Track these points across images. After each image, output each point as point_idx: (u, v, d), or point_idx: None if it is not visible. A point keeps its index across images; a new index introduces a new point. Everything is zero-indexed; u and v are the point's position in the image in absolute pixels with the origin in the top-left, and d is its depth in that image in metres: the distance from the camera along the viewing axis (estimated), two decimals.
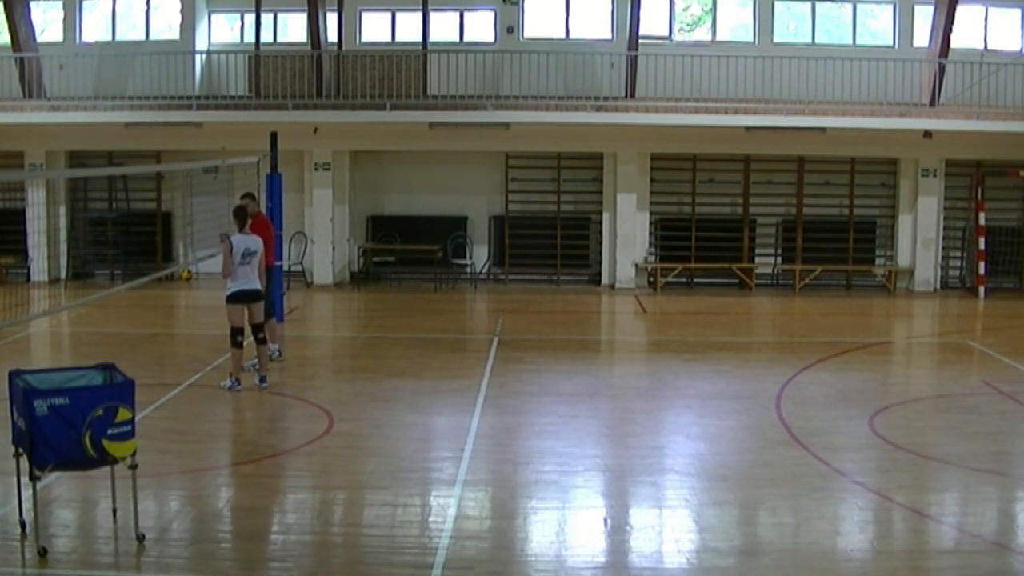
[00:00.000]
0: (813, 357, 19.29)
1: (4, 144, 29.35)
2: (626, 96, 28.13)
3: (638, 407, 15.54)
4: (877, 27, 30.14)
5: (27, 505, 9.87)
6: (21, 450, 9.45)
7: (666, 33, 29.69)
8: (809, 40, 29.81)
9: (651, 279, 29.34)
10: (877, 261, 30.00)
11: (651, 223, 29.53)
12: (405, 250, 29.46)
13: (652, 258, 29.45)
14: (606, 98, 28.10)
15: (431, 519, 10.56)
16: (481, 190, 30.23)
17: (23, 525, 9.89)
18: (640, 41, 28.17)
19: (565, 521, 10.65)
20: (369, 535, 10.06)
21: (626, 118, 27.44)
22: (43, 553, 9.40)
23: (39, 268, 28.99)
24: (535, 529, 10.47)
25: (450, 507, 10.84)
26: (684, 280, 29.79)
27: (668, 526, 10.51)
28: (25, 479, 9.44)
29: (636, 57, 27.99)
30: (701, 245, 29.51)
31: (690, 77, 27.96)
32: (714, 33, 30.10)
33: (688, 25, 30.47)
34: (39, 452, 9.15)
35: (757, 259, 29.74)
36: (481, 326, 24.08)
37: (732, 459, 12.83)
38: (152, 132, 28.52)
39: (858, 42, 29.80)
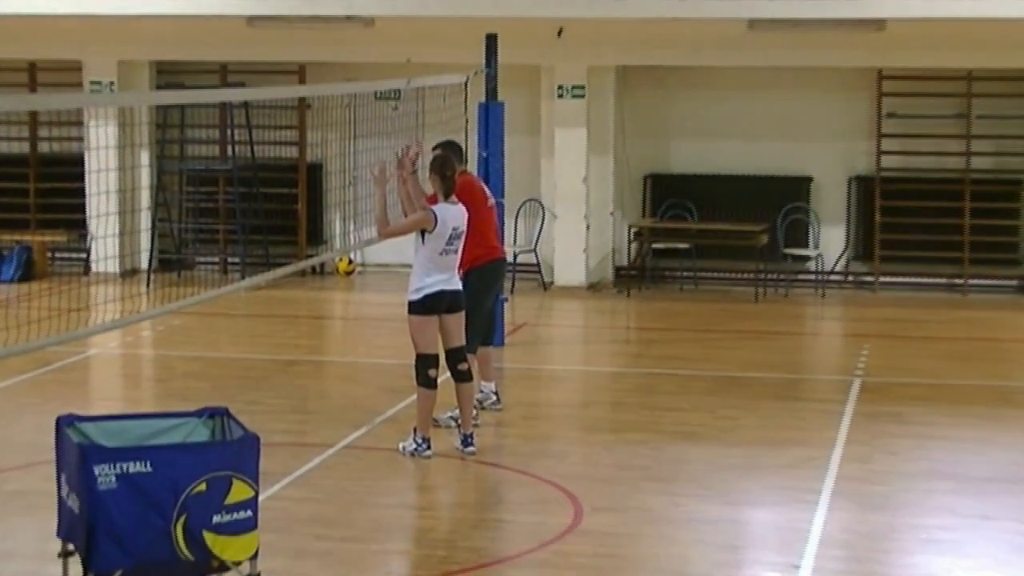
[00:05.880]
0: None
1: (53, 50, 30.16)
2: None
3: None
4: None
5: None
6: (72, 547, 9.67)
7: None
8: None
9: None
10: None
11: None
12: (705, 231, 29.52)
13: None
14: None
15: None
16: (834, 134, 30.05)
17: None
18: None
19: None
20: None
21: None
22: None
23: (105, 251, 28.65)
24: None
25: None
26: None
27: None
28: None
29: None
30: None
31: None
32: None
33: None
34: (101, 550, 9.35)
35: None
36: (831, 360, 24.05)
37: None
38: (292, 33, 29.10)
39: None
